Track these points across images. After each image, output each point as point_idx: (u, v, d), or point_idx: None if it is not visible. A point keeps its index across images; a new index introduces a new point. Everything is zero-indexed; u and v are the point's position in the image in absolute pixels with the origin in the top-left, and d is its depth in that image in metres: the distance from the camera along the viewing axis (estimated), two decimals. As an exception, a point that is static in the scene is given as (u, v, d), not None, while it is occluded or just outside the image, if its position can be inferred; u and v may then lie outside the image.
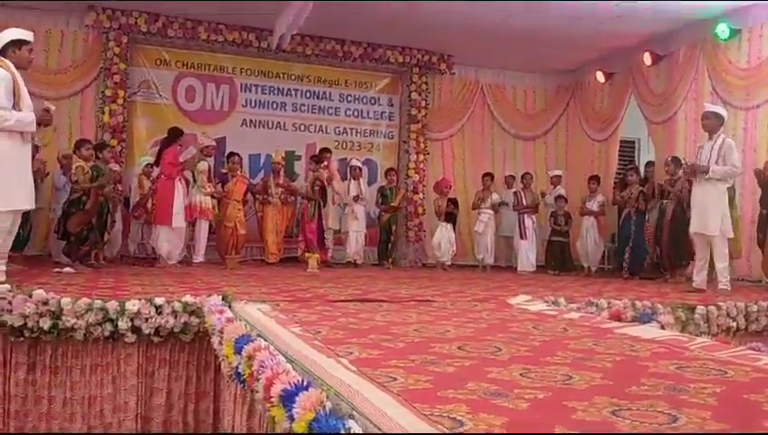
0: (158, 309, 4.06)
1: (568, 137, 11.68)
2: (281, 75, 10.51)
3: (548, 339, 3.18)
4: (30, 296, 3.92)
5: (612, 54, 10.27)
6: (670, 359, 2.69)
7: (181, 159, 8.30)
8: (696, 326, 5.11)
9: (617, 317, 3.94)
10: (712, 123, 6.53)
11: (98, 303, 3.99)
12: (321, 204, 9.54)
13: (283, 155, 9.78)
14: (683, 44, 9.07)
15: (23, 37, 4.95)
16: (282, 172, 9.57)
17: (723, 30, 8.27)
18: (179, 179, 8.25)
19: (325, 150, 9.97)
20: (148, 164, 8.83)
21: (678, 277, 8.13)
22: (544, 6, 8.25)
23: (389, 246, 10.09)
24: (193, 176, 8.59)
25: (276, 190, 9.41)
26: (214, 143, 9.18)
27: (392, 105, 11.17)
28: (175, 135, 8.50)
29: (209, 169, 8.81)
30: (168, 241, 8.13)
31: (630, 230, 8.85)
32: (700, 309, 5.16)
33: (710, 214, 6.39)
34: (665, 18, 8.59)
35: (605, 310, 4.53)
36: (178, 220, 8.17)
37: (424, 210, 10.78)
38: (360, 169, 10.09)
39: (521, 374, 2.31)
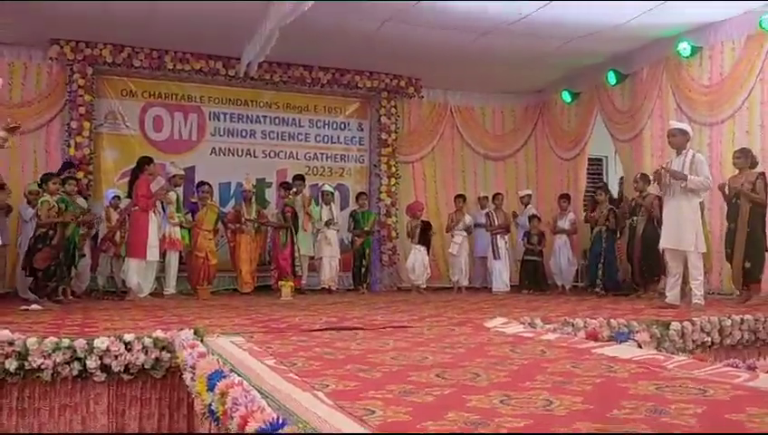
0: (128, 345, 3.96)
1: (537, 156, 11.78)
2: (249, 103, 10.47)
3: (526, 362, 3.16)
4: (-6, 337, 3.80)
5: (577, 74, 10.42)
6: (649, 379, 2.68)
7: (152, 190, 8.19)
8: (672, 343, 5.13)
9: (593, 337, 3.93)
10: (678, 140, 6.63)
11: (65, 341, 3.87)
12: (293, 231, 9.48)
13: (254, 183, 9.71)
14: (646, 63, 9.23)
15: None
16: (253, 200, 9.50)
17: (684, 48, 8.43)
18: (153, 211, 8.14)
19: (298, 177, 9.93)
20: (115, 196, 8.70)
21: (651, 292, 8.19)
22: (509, 28, 8.34)
23: (364, 270, 10.04)
24: (162, 206, 8.48)
25: (249, 219, 9.34)
26: (182, 172, 9.09)
27: (362, 130, 11.18)
28: (144, 164, 8.39)
29: (178, 199, 8.72)
30: (138, 274, 7.99)
31: (602, 247, 8.93)
32: (675, 325, 5.18)
33: (684, 229, 6.44)
34: (628, 37, 8.73)
35: (581, 330, 4.52)
36: (153, 253, 8.06)
37: (397, 234, 10.77)
38: (332, 193, 10.05)
39: (501, 401, 2.27)
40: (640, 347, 3.76)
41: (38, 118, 9.17)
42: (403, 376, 2.80)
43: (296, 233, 9.50)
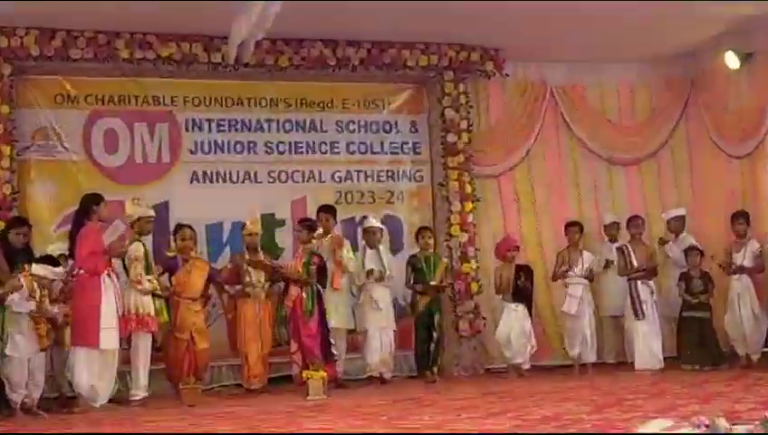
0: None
1: (691, 156, 11.55)
2: (244, 102, 10.48)
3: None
4: None
5: (749, 26, 10.13)
6: None
7: (105, 243, 8.14)
8: None
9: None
10: None
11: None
12: (321, 291, 9.32)
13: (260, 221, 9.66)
14: None
15: None
16: (259, 248, 9.42)
17: None
18: (108, 274, 8.09)
19: (324, 210, 9.83)
20: (60, 254, 8.63)
21: None
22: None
23: (432, 346, 9.83)
24: (123, 265, 8.43)
25: (257, 276, 9.25)
26: (152, 213, 9.03)
27: (416, 131, 11.10)
28: (90, 205, 8.35)
29: (147, 254, 8.66)
30: (89, 371, 7.91)
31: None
32: None
33: None
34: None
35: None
36: (109, 339, 7.96)
37: (480, 287, 10.54)
38: (380, 230, 9.97)
39: None
40: None
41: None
42: None
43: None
